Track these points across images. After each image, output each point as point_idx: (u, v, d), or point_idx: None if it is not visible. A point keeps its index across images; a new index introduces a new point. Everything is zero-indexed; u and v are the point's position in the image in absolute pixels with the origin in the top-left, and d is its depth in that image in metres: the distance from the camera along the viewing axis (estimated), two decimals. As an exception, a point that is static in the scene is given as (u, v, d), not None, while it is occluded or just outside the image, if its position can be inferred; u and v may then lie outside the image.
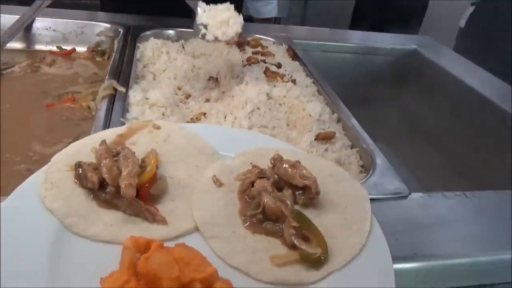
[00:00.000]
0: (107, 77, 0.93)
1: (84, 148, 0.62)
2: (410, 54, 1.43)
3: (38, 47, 1.20)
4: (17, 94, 0.96)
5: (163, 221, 0.54)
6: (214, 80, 1.08)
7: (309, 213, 0.56)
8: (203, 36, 0.90)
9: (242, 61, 1.12)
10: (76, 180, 0.57)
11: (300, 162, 0.61)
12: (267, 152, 0.66)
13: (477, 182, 1.13)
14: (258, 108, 0.90)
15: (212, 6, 0.90)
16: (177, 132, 0.69)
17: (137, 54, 1.09)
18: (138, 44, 1.13)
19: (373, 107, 1.41)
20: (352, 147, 0.87)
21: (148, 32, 1.18)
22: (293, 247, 0.53)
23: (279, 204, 0.56)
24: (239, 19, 0.89)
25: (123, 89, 0.88)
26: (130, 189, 0.52)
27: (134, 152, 0.59)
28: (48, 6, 1.18)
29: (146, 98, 0.90)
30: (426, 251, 0.61)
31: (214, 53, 1.16)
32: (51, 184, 0.55)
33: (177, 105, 0.96)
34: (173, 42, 1.20)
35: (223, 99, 1.00)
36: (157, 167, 0.58)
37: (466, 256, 0.61)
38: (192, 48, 1.18)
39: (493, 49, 1.56)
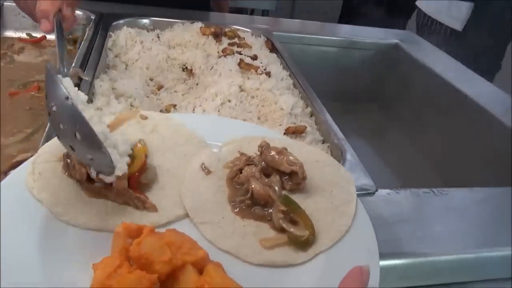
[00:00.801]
0: (73, 65, 0.90)
1: None
2: (392, 48, 1.41)
3: (8, 33, 1.16)
4: (-21, 82, 0.93)
5: (153, 208, 0.55)
6: (188, 71, 1.05)
7: (296, 198, 0.57)
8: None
9: (218, 52, 1.09)
10: (64, 171, 0.56)
11: (286, 149, 0.61)
12: (254, 140, 0.66)
13: (456, 179, 1.12)
14: (229, 101, 0.88)
15: None
16: (164, 122, 0.69)
17: (109, 43, 1.06)
18: (111, 32, 1.10)
19: (352, 102, 1.40)
20: (323, 141, 0.85)
21: (121, 21, 1.15)
22: (281, 230, 0.54)
23: (267, 189, 0.57)
24: None
25: (88, 78, 0.85)
26: (121, 180, 0.52)
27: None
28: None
29: (113, 88, 0.87)
30: (388, 249, 0.59)
31: (190, 43, 1.14)
32: (39, 174, 0.54)
33: (147, 96, 0.93)
34: (148, 32, 1.17)
35: (195, 90, 0.97)
36: (146, 157, 0.58)
37: (428, 255, 0.60)
38: (168, 38, 1.15)
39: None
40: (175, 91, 0.97)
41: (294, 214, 0.55)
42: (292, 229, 0.53)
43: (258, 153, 0.62)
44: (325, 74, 1.40)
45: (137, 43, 1.09)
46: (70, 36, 1.15)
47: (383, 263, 0.58)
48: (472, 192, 0.74)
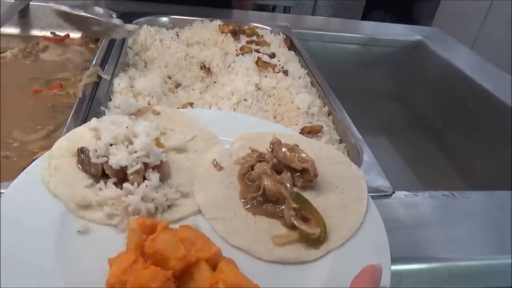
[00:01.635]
0: (93, 64, 0.92)
1: (86, 134, 0.62)
2: (415, 45, 1.38)
3: (33, 32, 1.19)
4: (5, 80, 0.95)
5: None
6: (206, 69, 1.05)
7: (307, 195, 0.58)
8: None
9: (236, 50, 1.09)
10: (79, 166, 0.57)
11: (298, 146, 0.62)
12: (266, 136, 0.67)
13: (480, 182, 1.09)
14: (245, 99, 0.87)
15: None
16: (176, 118, 0.70)
17: (129, 41, 1.08)
18: (131, 31, 1.11)
19: (373, 100, 1.37)
20: (340, 141, 0.84)
21: (141, 19, 1.16)
22: (293, 227, 0.54)
23: (278, 186, 0.57)
24: None
25: (107, 76, 0.87)
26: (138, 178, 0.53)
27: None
28: (44, -9, 1.17)
29: (131, 87, 0.88)
30: (405, 253, 0.58)
31: (208, 41, 1.14)
32: (54, 169, 0.56)
33: (165, 94, 0.94)
34: (167, 30, 1.18)
35: (213, 89, 0.98)
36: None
37: (446, 260, 0.58)
38: (187, 36, 1.16)
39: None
40: (193, 89, 0.97)
41: (305, 212, 0.55)
42: (303, 227, 0.53)
43: (270, 149, 0.63)
44: (346, 72, 1.38)
45: (157, 41, 1.10)
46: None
47: (400, 267, 0.57)
48: (493, 195, 0.71)
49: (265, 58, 1.03)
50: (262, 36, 1.18)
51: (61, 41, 1.16)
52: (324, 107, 0.92)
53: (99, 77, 0.87)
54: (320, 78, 1.00)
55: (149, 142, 0.55)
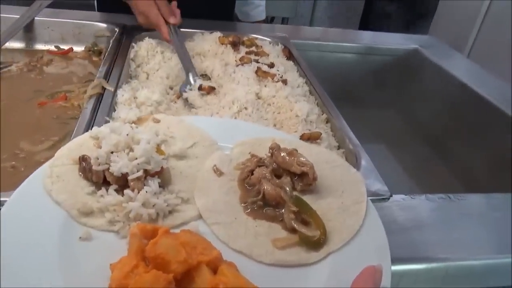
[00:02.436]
0: (97, 76, 0.94)
1: (87, 142, 0.64)
2: (411, 53, 1.40)
3: (37, 46, 1.22)
4: (11, 93, 0.98)
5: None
6: (205, 77, 1.08)
7: (307, 198, 0.59)
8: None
9: (236, 60, 1.12)
10: (80, 173, 0.58)
11: (297, 150, 0.63)
12: (265, 141, 0.68)
13: (476, 185, 1.10)
14: (246, 108, 0.89)
15: None
16: (176, 125, 0.71)
17: (131, 54, 1.10)
18: (133, 43, 1.14)
19: (371, 108, 1.39)
20: (339, 147, 0.85)
21: (143, 33, 1.19)
22: (293, 230, 0.55)
23: (278, 190, 0.59)
24: None
25: (111, 88, 0.89)
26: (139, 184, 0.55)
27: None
28: (48, 6, 1.21)
29: (134, 98, 0.90)
30: (403, 254, 0.59)
31: (209, 53, 1.17)
32: (56, 177, 0.57)
33: (167, 105, 0.96)
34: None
35: (213, 98, 1.00)
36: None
37: (443, 260, 0.59)
38: (188, 48, 1.18)
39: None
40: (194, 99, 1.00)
41: (305, 215, 0.56)
42: (303, 230, 0.54)
43: (269, 154, 0.64)
44: (344, 81, 1.40)
45: (158, 54, 1.12)
46: (95, 48, 1.20)
47: (398, 267, 0.58)
48: (489, 198, 0.72)
49: (265, 68, 1.05)
50: (261, 46, 1.20)
51: (65, 55, 1.19)
52: (322, 114, 0.94)
53: (103, 89, 0.89)
54: (318, 86, 1.02)
55: (149, 149, 0.56)
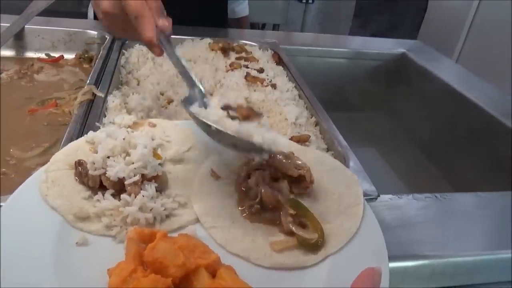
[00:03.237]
0: (87, 82, 0.95)
1: (83, 147, 0.64)
2: (398, 58, 1.43)
3: (28, 54, 1.22)
4: (1, 100, 0.98)
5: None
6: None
7: (304, 201, 0.60)
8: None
9: (226, 66, 1.13)
10: (76, 178, 0.59)
11: (293, 153, 0.64)
12: None
13: (465, 185, 1.12)
14: (236, 113, 0.91)
15: None
16: (172, 129, 0.72)
17: (122, 60, 1.11)
18: (124, 50, 1.15)
19: (360, 111, 1.41)
20: (327, 150, 0.87)
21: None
22: (290, 233, 0.56)
23: (275, 193, 0.59)
24: None
25: (101, 94, 0.90)
26: (135, 188, 0.55)
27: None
28: (38, 14, 1.21)
29: (125, 103, 0.91)
30: (391, 252, 0.61)
31: (199, 59, 1.18)
32: (52, 182, 0.58)
33: (157, 110, 0.97)
34: (159, 49, 1.22)
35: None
36: (159, 166, 0.61)
37: (429, 258, 0.61)
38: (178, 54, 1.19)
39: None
40: (185, 105, 1.01)
41: (303, 218, 0.57)
42: (301, 232, 0.55)
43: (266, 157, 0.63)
44: (333, 85, 1.43)
45: (149, 60, 1.13)
46: (86, 55, 1.21)
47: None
48: (475, 196, 0.75)
49: (254, 73, 1.07)
50: (251, 52, 1.22)
51: (55, 62, 1.19)
52: (311, 117, 0.95)
53: (94, 95, 0.90)
54: (307, 90, 1.04)
55: (146, 153, 0.57)
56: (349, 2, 3.18)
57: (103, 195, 0.56)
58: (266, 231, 0.57)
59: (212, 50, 1.20)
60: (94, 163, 0.56)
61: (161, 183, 0.59)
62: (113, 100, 0.90)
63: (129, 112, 0.90)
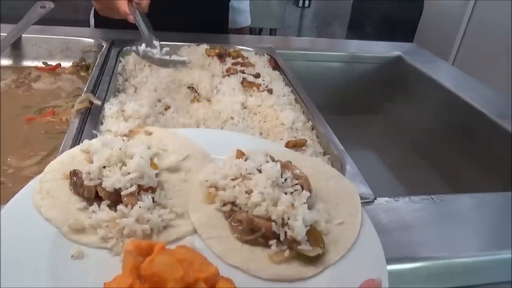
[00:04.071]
0: (84, 90, 0.95)
1: (78, 156, 0.63)
2: (394, 60, 1.43)
3: (25, 63, 1.22)
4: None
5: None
6: (192, 90, 1.09)
7: None
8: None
9: (222, 72, 1.14)
10: (71, 188, 0.58)
11: (291, 162, 0.63)
12: (258, 153, 0.66)
13: (462, 186, 1.12)
14: (232, 118, 0.91)
15: None
16: (168, 137, 0.72)
17: (119, 68, 1.11)
18: (121, 58, 1.15)
19: (357, 114, 1.42)
20: (324, 154, 0.87)
21: (130, 46, 1.20)
22: (290, 247, 0.54)
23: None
24: None
25: (98, 102, 0.90)
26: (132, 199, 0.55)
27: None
28: (34, 23, 1.22)
29: (122, 111, 0.92)
30: (388, 255, 0.60)
31: (196, 65, 1.18)
32: (46, 193, 0.57)
33: (155, 117, 0.97)
34: (156, 55, 1.22)
35: (201, 109, 1.01)
36: (156, 175, 0.60)
37: (426, 260, 0.61)
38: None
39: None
40: (182, 111, 1.01)
41: None
42: (303, 247, 0.53)
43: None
44: (330, 89, 1.43)
45: (146, 67, 1.14)
46: (83, 63, 1.21)
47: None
48: (471, 198, 0.75)
49: (250, 78, 1.07)
50: (247, 57, 1.22)
51: (52, 71, 1.20)
52: (308, 122, 0.96)
53: (91, 103, 0.90)
54: (304, 95, 1.04)
55: (143, 163, 0.57)
56: (345, 6, 3.19)
57: (99, 206, 0.56)
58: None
59: (209, 56, 1.20)
60: (89, 173, 0.56)
61: (158, 194, 0.59)
62: (110, 108, 0.90)
63: (126, 119, 0.90)
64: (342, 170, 0.78)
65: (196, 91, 1.08)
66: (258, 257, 0.54)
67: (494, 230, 0.68)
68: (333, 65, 1.41)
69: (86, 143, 0.64)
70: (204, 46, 1.24)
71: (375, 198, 0.71)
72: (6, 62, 1.20)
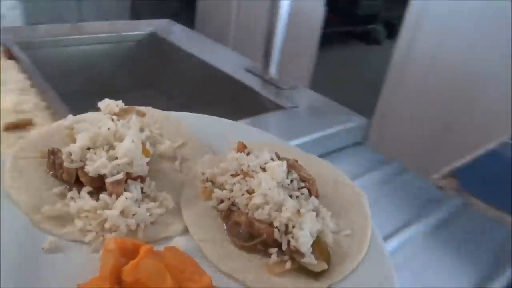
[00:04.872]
0: None
1: (60, 132, 0.51)
2: (149, 37, 1.52)
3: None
4: None
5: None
6: None
7: None
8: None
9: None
10: (48, 170, 0.48)
11: (298, 161, 0.57)
12: (259, 147, 0.59)
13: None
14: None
15: None
16: (163, 120, 0.61)
17: None
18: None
19: (130, 92, 1.43)
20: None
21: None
22: (292, 258, 0.49)
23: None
24: None
25: None
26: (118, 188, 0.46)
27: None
28: None
29: None
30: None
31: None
32: (19, 172, 0.46)
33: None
34: None
35: None
36: (147, 163, 0.51)
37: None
38: None
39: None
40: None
41: None
42: (308, 260, 0.47)
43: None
44: (92, 72, 1.39)
45: None
46: None
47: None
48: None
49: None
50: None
51: None
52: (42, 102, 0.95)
53: None
54: (40, 80, 1.02)
55: (133, 148, 0.48)
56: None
57: (79, 192, 0.46)
58: (265, 250, 0.49)
59: None
60: (71, 154, 0.44)
61: (147, 184, 0.52)
62: None
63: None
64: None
65: None
66: (256, 267, 0.48)
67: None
68: (84, 49, 1.38)
69: (70, 117, 0.46)
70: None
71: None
72: None
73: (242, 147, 0.58)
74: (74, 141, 0.48)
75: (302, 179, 0.55)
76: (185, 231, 0.51)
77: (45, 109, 0.91)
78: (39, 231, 0.43)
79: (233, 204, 0.52)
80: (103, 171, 0.47)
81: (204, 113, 0.71)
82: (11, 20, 2.11)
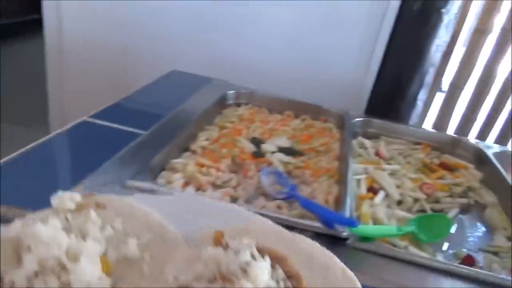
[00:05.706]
0: None
1: (3, 247, 0.42)
2: None
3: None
4: None
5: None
6: None
7: None
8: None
9: None
10: None
11: (286, 259, 0.50)
12: (239, 232, 0.52)
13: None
14: None
15: None
16: (127, 213, 0.52)
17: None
18: None
19: None
20: None
21: None
22: None
23: None
24: None
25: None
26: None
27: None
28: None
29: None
30: None
31: None
32: None
33: None
34: None
35: None
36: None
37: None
38: None
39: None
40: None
41: None
42: None
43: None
44: None
45: None
46: None
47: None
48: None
49: None
50: None
51: None
52: None
53: None
54: None
55: (90, 271, 0.42)
56: None
57: None
58: None
59: None
60: (13, 283, 0.37)
61: None
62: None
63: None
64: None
65: None
66: None
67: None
68: None
69: (17, 225, 0.40)
70: None
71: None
72: None
73: (219, 238, 0.51)
74: (19, 259, 0.41)
75: (288, 275, 0.48)
76: None
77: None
78: None
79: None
80: (53, 309, 0.39)
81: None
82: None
